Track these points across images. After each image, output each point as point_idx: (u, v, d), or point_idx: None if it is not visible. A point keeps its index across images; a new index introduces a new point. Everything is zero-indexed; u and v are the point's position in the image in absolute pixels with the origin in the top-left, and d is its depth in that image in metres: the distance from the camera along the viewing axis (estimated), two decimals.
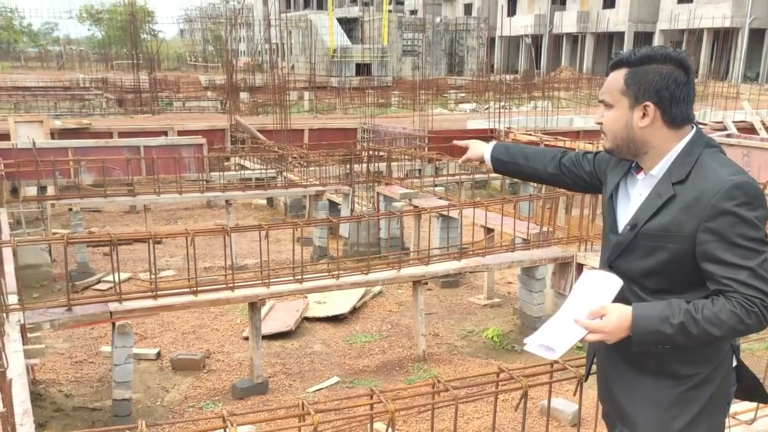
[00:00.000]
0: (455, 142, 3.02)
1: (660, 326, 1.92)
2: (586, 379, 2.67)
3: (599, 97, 2.17)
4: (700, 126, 2.22)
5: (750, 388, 2.29)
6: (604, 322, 1.98)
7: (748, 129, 16.94)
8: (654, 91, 2.02)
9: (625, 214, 2.19)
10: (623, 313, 1.97)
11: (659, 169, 2.09)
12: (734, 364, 2.20)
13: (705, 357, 2.07)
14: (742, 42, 41.93)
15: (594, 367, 2.45)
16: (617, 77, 2.09)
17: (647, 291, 2.12)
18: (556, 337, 2.05)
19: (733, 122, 16.84)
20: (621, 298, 2.17)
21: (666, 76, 2.02)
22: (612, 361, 2.27)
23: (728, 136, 14.28)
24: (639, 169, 2.19)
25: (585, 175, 2.50)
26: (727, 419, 2.23)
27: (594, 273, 2.18)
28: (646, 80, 2.03)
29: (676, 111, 2.05)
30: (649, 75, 2.03)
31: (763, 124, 17.30)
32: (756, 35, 42.54)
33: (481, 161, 2.75)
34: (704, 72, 36.44)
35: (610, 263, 2.21)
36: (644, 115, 2.05)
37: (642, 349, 2.01)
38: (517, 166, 2.66)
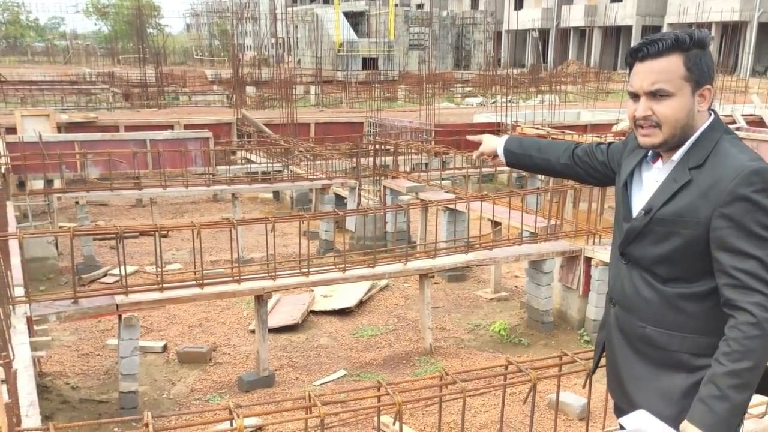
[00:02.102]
0: (468, 137, 2.99)
1: (725, 413, 1.87)
2: (594, 372, 2.63)
3: (649, 89, 1.99)
4: None
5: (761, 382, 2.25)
6: None
7: (758, 122, 16.86)
8: (709, 75, 2.00)
9: (639, 201, 2.14)
10: None
11: (678, 153, 2.05)
12: None
13: (716, 349, 2.03)
14: (751, 36, 41.67)
15: (603, 360, 2.41)
16: (674, 63, 1.96)
17: (659, 279, 2.07)
18: None
19: (742, 116, 16.73)
20: (633, 287, 2.13)
21: (712, 60, 2.00)
22: (622, 353, 2.23)
23: (737, 129, 14.18)
24: (655, 157, 2.15)
25: (598, 165, 2.46)
26: None
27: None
28: (705, 64, 1.98)
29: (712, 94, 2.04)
30: (704, 58, 1.98)
31: None
32: (765, 29, 42.27)
33: (494, 155, 2.70)
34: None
35: (622, 250, 2.17)
36: (702, 99, 2.01)
37: None
38: (530, 159, 2.62)
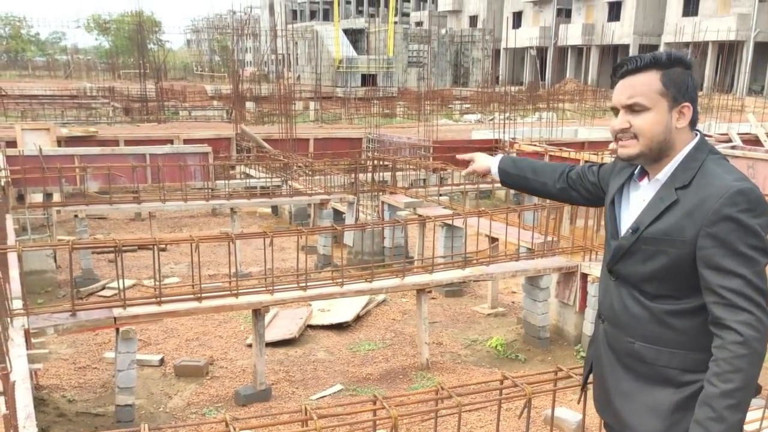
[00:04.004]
0: (458, 156, 3.02)
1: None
2: (584, 386, 2.66)
3: (625, 102, 2.08)
4: (707, 137, 2.24)
5: None
6: None
7: (753, 141, 16.96)
8: (689, 93, 2.06)
9: (626, 219, 2.19)
10: None
11: (664, 173, 2.10)
12: None
13: (706, 364, 2.05)
14: (747, 55, 41.93)
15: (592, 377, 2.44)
16: (651, 79, 2.05)
17: (647, 296, 2.11)
18: None
19: (738, 134, 16.85)
20: (621, 304, 2.17)
21: (693, 79, 2.06)
22: (611, 369, 2.25)
23: (733, 147, 14.28)
24: (642, 175, 2.19)
25: (590, 186, 2.51)
26: None
27: None
28: (682, 81, 2.04)
29: (696, 114, 2.09)
30: (682, 76, 2.05)
31: None
32: (761, 48, 42.56)
33: (486, 173, 2.77)
34: (709, 85, 36.45)
35: (610, 268, 2.22)
36: (681, 116, 2.06)
37: None
38: (525, 180, 2.67)
